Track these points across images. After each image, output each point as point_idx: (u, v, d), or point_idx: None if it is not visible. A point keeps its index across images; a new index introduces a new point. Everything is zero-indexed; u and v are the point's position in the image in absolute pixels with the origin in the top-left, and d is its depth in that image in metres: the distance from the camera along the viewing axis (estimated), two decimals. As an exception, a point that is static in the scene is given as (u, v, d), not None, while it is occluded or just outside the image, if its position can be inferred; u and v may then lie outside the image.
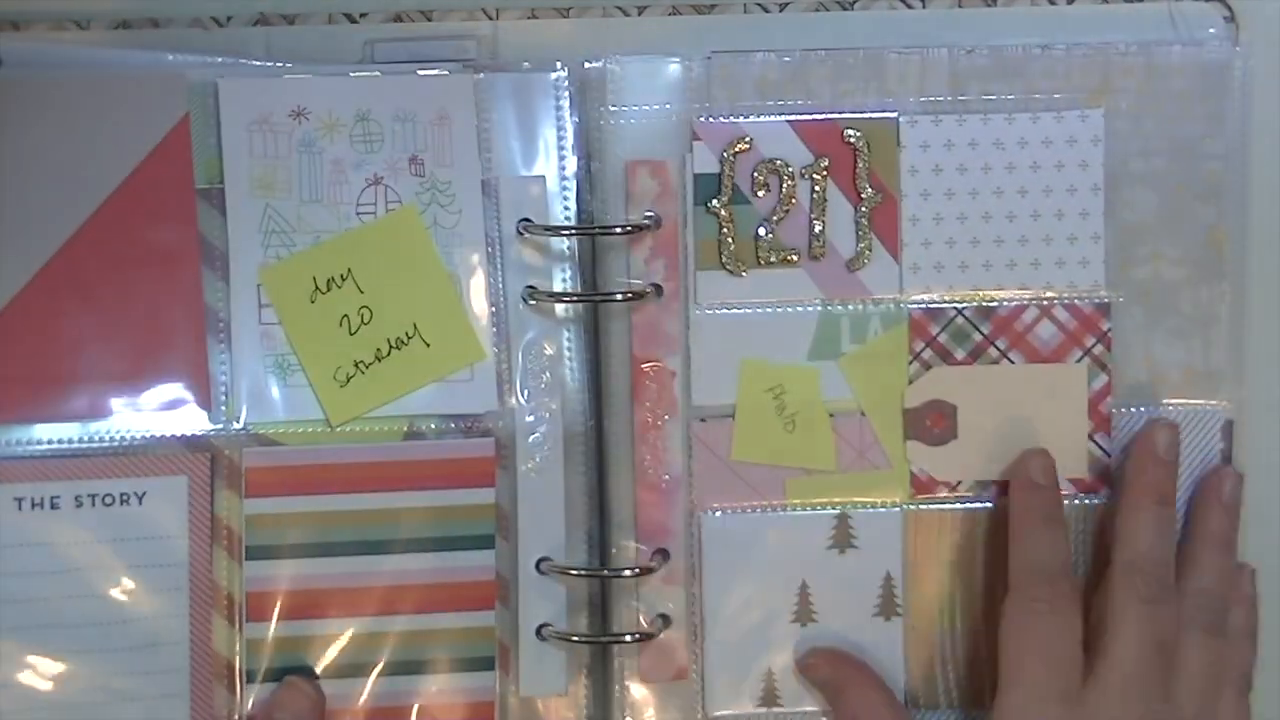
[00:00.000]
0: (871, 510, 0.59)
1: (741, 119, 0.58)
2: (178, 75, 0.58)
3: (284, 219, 0.58)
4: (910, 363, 0.59)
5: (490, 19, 0.60)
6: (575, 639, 0.59)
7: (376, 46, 0.59)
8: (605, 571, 0.59)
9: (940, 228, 0.58)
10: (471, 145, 0.58)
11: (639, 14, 0.60)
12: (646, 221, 0.58)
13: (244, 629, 0.58)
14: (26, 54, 0.58)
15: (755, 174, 0.58)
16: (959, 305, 0.59)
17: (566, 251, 0.59)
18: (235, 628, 0.58)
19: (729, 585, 0.59)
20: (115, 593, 0.57)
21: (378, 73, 0.58)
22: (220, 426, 0.58)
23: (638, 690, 0.59)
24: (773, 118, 0.58)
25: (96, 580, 0.57)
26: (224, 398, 0.58)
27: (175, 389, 0.58)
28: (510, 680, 0.59)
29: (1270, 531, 0.60)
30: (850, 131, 0.58)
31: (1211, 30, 0.59)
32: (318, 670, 0.58)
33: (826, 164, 0.58)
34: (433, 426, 0.58)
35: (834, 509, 0.59)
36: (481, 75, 0.58)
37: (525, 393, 0.59)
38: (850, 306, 0.59)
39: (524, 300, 0.59)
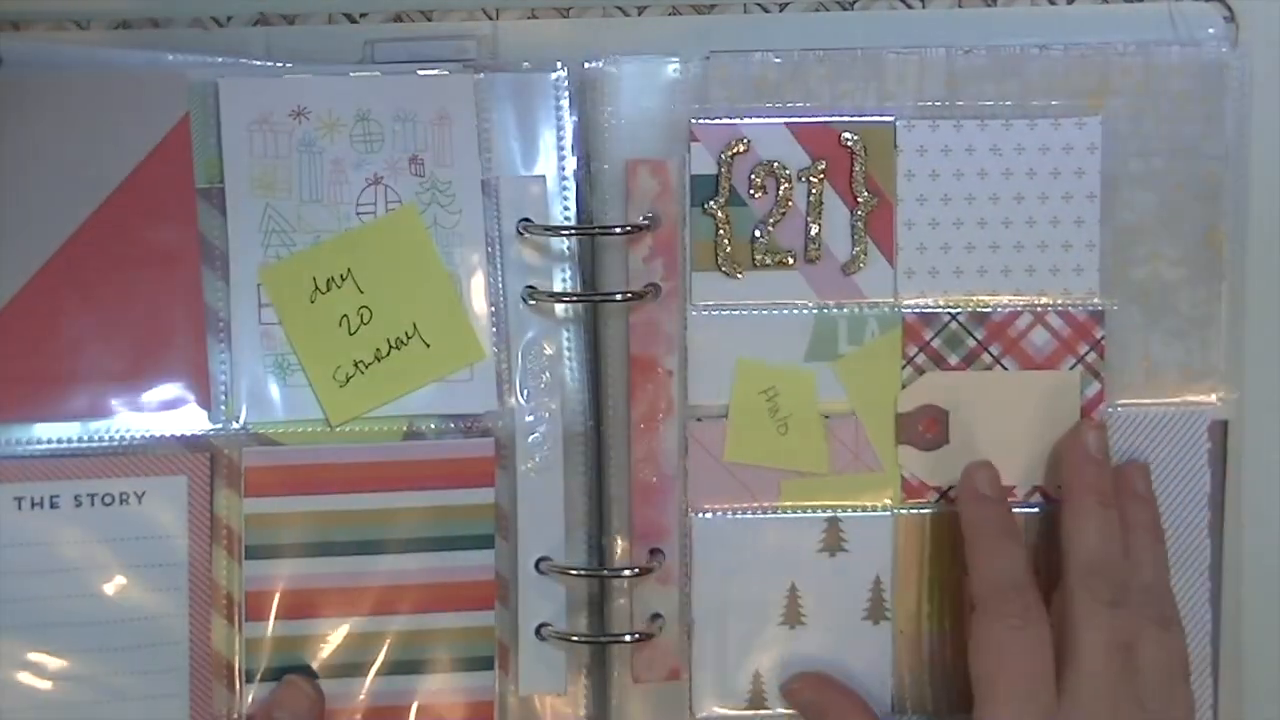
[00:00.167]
0: (862, 514, 0.59)
1: (739, 120, 0.58)
2: (178, 75, 0.58)
3: (284, 219, 0.58)
4: (904, 367, 0.59)
5: (490, 19, 0.60)
6: (575, 639, 0.59)
7: (376, 46, 0.59)
8: (605, 571, 0.59)
9: (936, 232, 0.58)
10: (471, 145, 0.58)
11: (639, 14, 0.60)
12: (645, 221, 0.58)
13: (243, 628, 0.58)
14: (27, 53, 0.58)
15: (753, 176, 0.58)
16: (953, 310, 0.59)
17: (566, 251, 0.59)
18: (235, 627, 0.58)
19: (718, 586, 0.59)
20: (114, 592, 0.57)
21: (378, 72, 0.58)
22: (220, 426, 0.58)
23: (634, 690, 0.59)
24: (770, 120, 0.58)
25: (96, 579, 0.57)
26: (224, 397, 0.58)
27: (175, 388, 0.58)
28: (510, 680, 0.59)
29: (1270, 531, 0.60)
30: (847, 135, 0.58)
31: (1211, 30, 0.59)
32: (317, 669, 0.58)
33: (823, 167, 0.58)
34: (432, 426, 0.58)
35: (824, 512, 0.59)
36: (481, 75, 0.58)
37: (525, 393, 0.59)
38: (846, 310, 0.59)
39: (524, 300, 0.59)
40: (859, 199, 0.58)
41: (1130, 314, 0.59)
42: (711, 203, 0.58)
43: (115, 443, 0.57)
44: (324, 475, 0.58)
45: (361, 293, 0.58)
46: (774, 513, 0.59)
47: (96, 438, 0.57)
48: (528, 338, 0.59)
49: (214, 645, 0.58)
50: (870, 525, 0.59)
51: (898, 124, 0.58)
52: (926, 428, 0.59)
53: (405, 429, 0.58)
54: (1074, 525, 0.55)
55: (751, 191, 0.58)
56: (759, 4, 0.60)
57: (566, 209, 0.59)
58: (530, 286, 0.59)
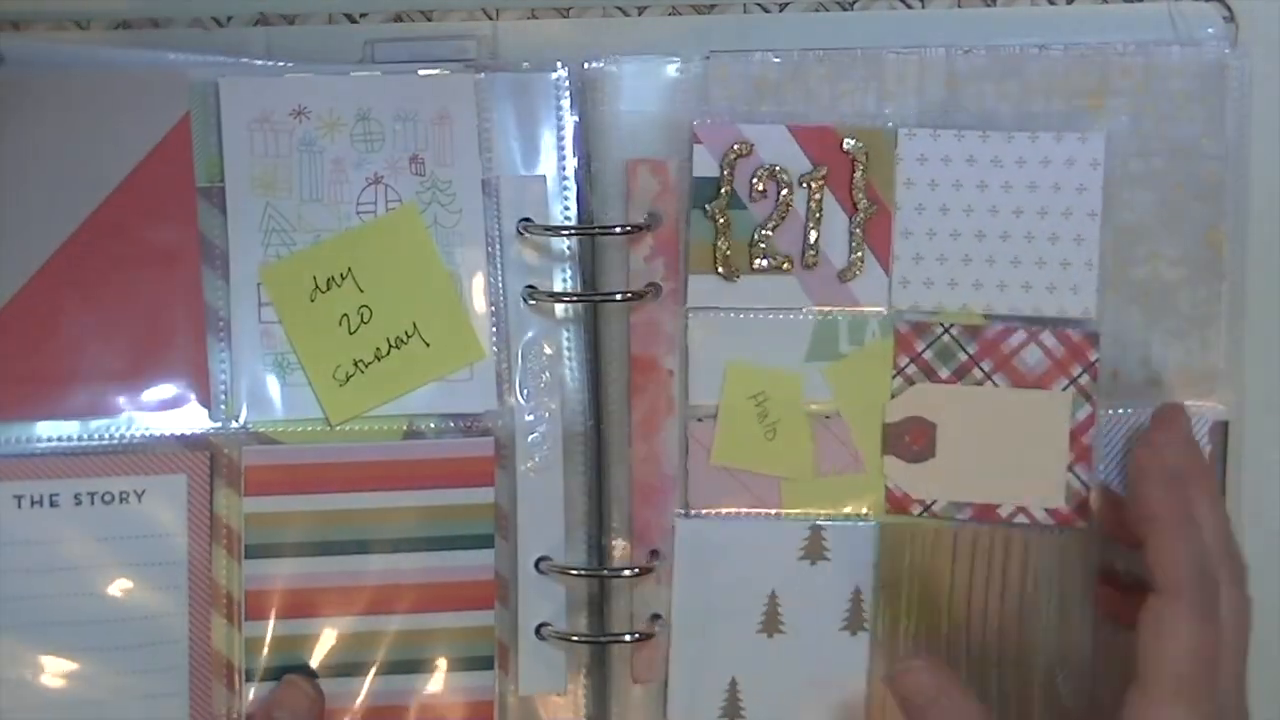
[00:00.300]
0: (845, 523, 0.59)
1: (742, 123, 0.58)
2: (179, 74, 0.58)
3: (284, 218, 0.58)
4: (894, 377, 0.58)
5: (490, 19, 0.60)
6: (575, 639, 0.59)
7: (376, 46, 0.59)
8: (605, 571, 0.59)
9: (933, 243, 0.58)
10: (472, 145, 0.58)
11: (639, 14, 0.60)
12: (646, 221, 0.58)
13: (243, 627, 0.58)
14: (28, 52, 0.58)
15: (754, 179, 0.58)
16: (945, 323, 0.58)
17: (566, 251, 0.59)
18: (234, 626, 0.58)
19: (698, 592, 0.59)
20: (114, 591, 0.57)
21: (378, 72, 0.58)
22: (220, 425, 0.58)
23: (634, 690, 0.59)
24: (773, 124, 0.58)
25: (95, 578, 0.57)
26: (223, 396, 0.58)
27: (175, 387, 0.58)
28: (509, 679, 0.59)
29: (1271, 532, 0.60)
30: (849, 140, 0.58)
31: (1210, 31, 0.59)
32: (317, 669, 0.58)
33: (824, 172, 0.58)
34: (432, 426, 0.58)
35: (807, 519, 0.59)
36: (482, 75, 0.58)
37: (525, 392, 0.59)
38: (841, 317, 0.58)
39: (524, 300, 0.59)
40: (858, 206, 0.58)
41: (1130, 314, 0.59)
42: (711, 205, 0.58)
43: (115, 441, 0.58)
44: (324, 474, 0.58)
45: (361, 292, 0.58)
46: (761, 518, 0.59)
47: (96, 436, 0.57)
48: (528, 337, 0.59)
49: (214, 644, 0.58)
50: (853, 534, 0.59)
51: (899, 131, 0.58)
52: (914, 439, 0.58)
53: (405, 428, 0.58)
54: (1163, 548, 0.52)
55: (752, 195, 0.58)
56: (759, 4, 0.60)
57: (567, 209, 0.59)
58: (530, 286, 0.59)
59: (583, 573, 0.59)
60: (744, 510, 0.59)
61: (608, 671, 0.60)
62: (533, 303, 0.59)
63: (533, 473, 0.59)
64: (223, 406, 0.58)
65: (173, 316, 0.58)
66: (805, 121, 0.58)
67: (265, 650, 0.58)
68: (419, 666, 0.58)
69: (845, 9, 0.60)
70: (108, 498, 0.57)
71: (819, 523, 0.58)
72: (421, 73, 0.58)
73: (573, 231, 0.59)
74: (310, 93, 0.58)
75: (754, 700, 0.59)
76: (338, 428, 0.58)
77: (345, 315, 0.58)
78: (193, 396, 0.58)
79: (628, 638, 0.59)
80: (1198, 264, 0.59)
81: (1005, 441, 0.58)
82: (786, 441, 0.58)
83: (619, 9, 0.60)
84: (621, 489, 0.59)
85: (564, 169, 0.59)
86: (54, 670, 0.57)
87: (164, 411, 0.58)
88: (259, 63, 0.58)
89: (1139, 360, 0.59)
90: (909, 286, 0.58)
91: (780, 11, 0.60)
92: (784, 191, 0.58)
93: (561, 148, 0.59)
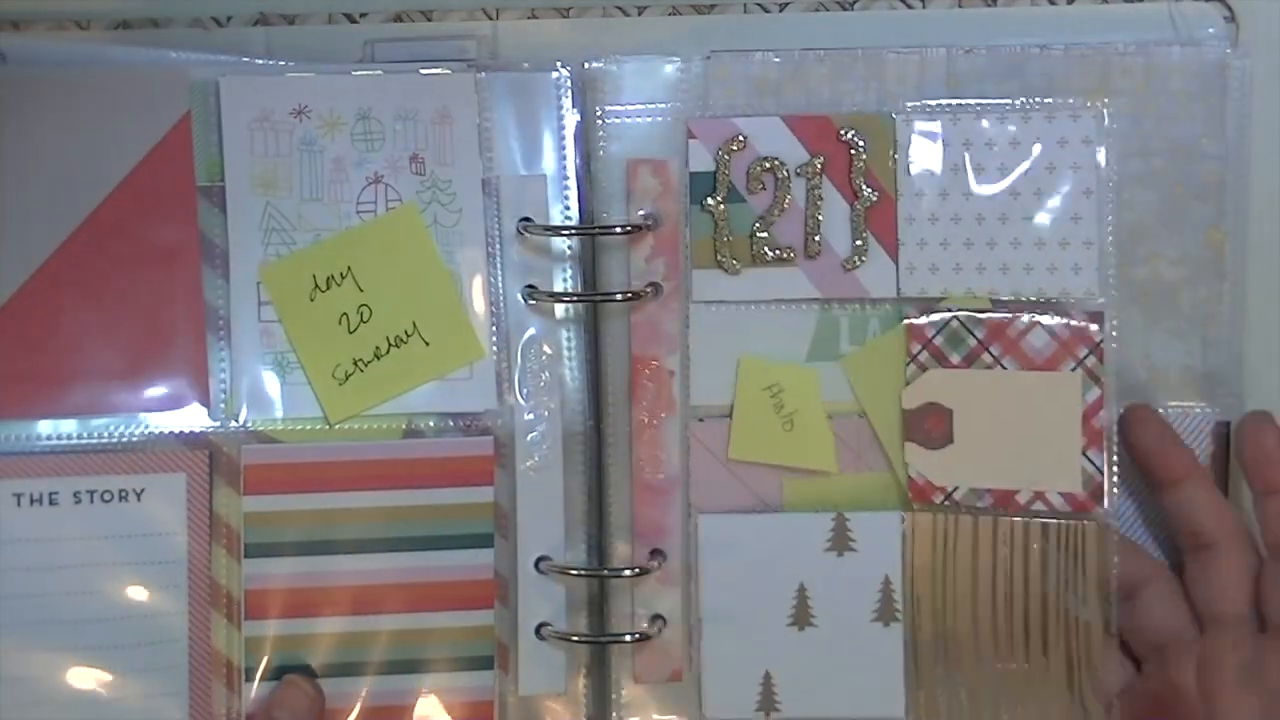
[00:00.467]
0: (870, 513, 0.58)
1: (737, 117, 0.58)
2: (179, 73, 0.58)
3: (284, 217, 0.58)
4: (908, 364, 0.58)
5: (490, 19, 0.60)
6: (575, 639, 0.59)
7: (376, 46, 0.60)
8: (605, 571, 0.59)
9: (936, 228, 0.58)
10: (472, 144, 0.59)
11: (639, 14, 0.60)
12: (647, 221, 0.58)
13: (243, 627, 0.58)
14: (29, 50, 0.58)
15: (751, 172, 0.58)
16: (953, 308, 0.58)
17: (566, 251, 0.59)
18: (234, 625, 0.58)
19: (726, 588, 0.58)
20: (114, 589, 0.57)
21: (379, 71, 0.58)
22: (219, 424, 0.58)
23: (634, 691, 0.59)
24: (767, 115, 0.58)
25: (95, 577, 0.57)
26: (223, 395, 0.58)
27: (175, 386, 0.58)
28: (509, 679, 0.59)
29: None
30: (845, 130, 0.58)
31: (1211, 30, 0.59)
32: (317, 668, 0.58)
33: (821, 162, 0.58)
34: (431, 425, 0.58)
35: (831, 511, 0.58)
36: (483, 74, 0.58)
37: (524, 391, 0.59)
38: (848, 307, 0.58)
39: (524, 300, 0.59)
40: (859, 194, 0.58)
41: (1130, 314, 0.59)
42: (710, 199, 0.58)
43: (115, 440, 0.58)
44: (323, 473, 0.58)
45: (361, 291, 0.58)
46: (779, 513, 0.59)
47: (96, 435, 0.58)
48: (527, 336, 0.59)
49: (213, 644, 0.58)
50: (878, 524, 0.58)
51: (896, 118, 0.58)
52: (932, 426, 0.58)
53: (404, 427, 0.58)
54: None
55: (750, 188, 0.58)
56: (759, 4, 0.60)
57: (567, 209, 0.59)
58: (530, 286, 0.59)
59: (583, 573, 0.59)
60: (747, 506, 0.59)
61: (608, 671, 0.60)
62: (533, 302, 0.59)
63: (532, 472, 0.59)
64: (222, 405, 0.58)
65: (173, 315, 0.58)
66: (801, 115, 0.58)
67: (265, 649, 0.58)
68: (419, 666, 0.58)
69: (845, 9, 0.60)
70: (107, 496, 0.57)
71: (843, 514, 0.58)
72: (422, 72, 0.59)
73: (573, 231, 0.59)
74: (310, 92, 0.58)
75: (788, 693, 0.58)
76: (337, 427, 0.58)
77: (345, 314, 0.58)
78: (192, 395, 0.58)
79: (628, 638, 0.59)
80: (1198, 264, 0.59)
81: (1020, 426, 0.58)
82: (805, 433, 0.58)
83: (619, 9, 0.60)
84: (621, 489, 0.59)
85: (564, 169, 0.59)
86: (53, 669, 0.57)
87: (164, 410, 0.58)
88: (259, 62, 0.58)
89: (1139, 360, 0.59)
90: (915, 273, 0.58)
91: (780, 11, 0.60)
92: (782, 182, 0.58)
93: (562, 147, 0.59)
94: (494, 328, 0.59)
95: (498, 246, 0.59)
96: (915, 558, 0.58)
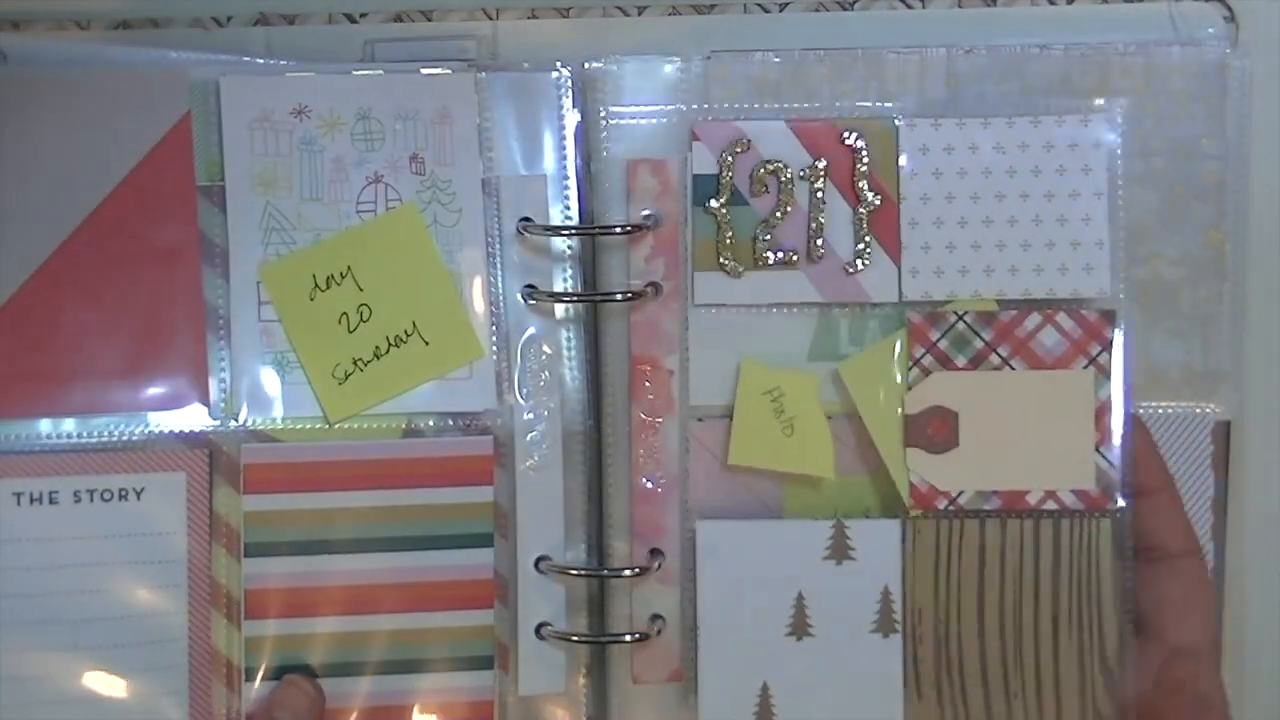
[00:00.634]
0: (869, 520, 0.58)
1: (740, 120, 0.58)
2: (180, 72, 0.58)
3: (284, 216, 0.58)
4: (910, 368, 0.58)
5: (490, 19, 0.60)
6: (575, 639, 0.59)
7: (376, 46, 0.60)
8: (605, 571, 0.59)
9: (941, 231, 0.58)
10: (472, 144, 0.59)
11: (639, 14, 0.60)
12: (647, 221, 0.58)
13: (243, 626, 0.58)
14: (30, 50, 0.58)
15: (754, 175, 0.58)
16: (959, 311, 0.58)
17: (566, 251, 0.59)
18: (234, 625, 0.58)
19: (724, 595, 0.58)
20: (114, 589, 0.57)
21: (379, 71, 0.58)
22: (219, 423, 0.58)
23: (634, 691, 0.59)
24: (771, 120, 0.58)
25: (95, 576, 0.57)
26: (223, 394, 0.58)
27: (175, 385, 0.58)
28: (509, 679, 0.59)
29: (1273, 534, 0.60)
30: (848, 134, 0.58)
31: (1211, 30, 0.59)
32: (317, 668, 0.58)
33: (825, 166, 0.58)
34: (431, 424, 0.58)
35: (830, 518, 0.58)
36: (483, 74, 0.59)
37: (524, 391, 0.59)
38: (849, 310, 0.58)
39: (524, 299, 0.59)
40: (861, 198, 0.58)
41: (1131, 314, 0.59)
42: (713, 202, 0.58)
43: (115, 439, 0.58)
44: (323, 472, 0.58)
45: (361, 291, 0.58)
46: (777, 519, 0.58)
47: (96, 434, 0.58)
48: (527, 336, 0.59)
49: (213, 643, 0.58)
50: (878, 532, 0.58)
51: (899, 123, 0.58)
52: (935, 430, 0.58)
53: (404, 427, 0.58)
54: None
55: (753, 191, 0.58)
56: (759, 4, 0.60)
57: (567, 209, 0.59)
58: (530, 286, 0.59)
59: (582, 572, 0.59)
60: (747, 508, 0.58)
61: (608, 672, 0.59)
62: (533, 302, 0.59)
63: (532, 471, 0.59)
64: (222, 405, 0.58)
65: (173, 315, 0.58)
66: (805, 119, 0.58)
67: (265, 649, 0.58)
68: (419, 666, 0.58)
69: (845, 9, 0.60)
70: (107, 495, 0.57)
71: (842, 520, 0.58)
72: (422, 72, 0.59)
73: (573, 231, 0.59)
74: (310, 92, 0.58)
75: (786, 705, 0.58)
76: (337, 426, 0.58)
77: (345, 314, 0.58)
78: (192, 394, 0.58)
79: (628, 638, 0.59)
80: (1198, 264, 0.59)
81: (1029, 425, 0.58)
82: (805, 438, 0.58)
83: (619, 9, 0.60)
84: (621, 489, 0.59)
85: (564, 169, 0.59)
86: (53, 668, 0.57)
87: (164, 410, 0.58)
88: (259, 62, 0.58)
89: (1139, 360, 0.59)
90: (919, 276, 0.58)
91: (780, 11, 0.60)
92: (785, 185, 0.58)
93: (562, 147, 0.59)
94: (494, 327, 0.59)
95: (497, 246, 0.59)
96: (916, 567, 0.58)
